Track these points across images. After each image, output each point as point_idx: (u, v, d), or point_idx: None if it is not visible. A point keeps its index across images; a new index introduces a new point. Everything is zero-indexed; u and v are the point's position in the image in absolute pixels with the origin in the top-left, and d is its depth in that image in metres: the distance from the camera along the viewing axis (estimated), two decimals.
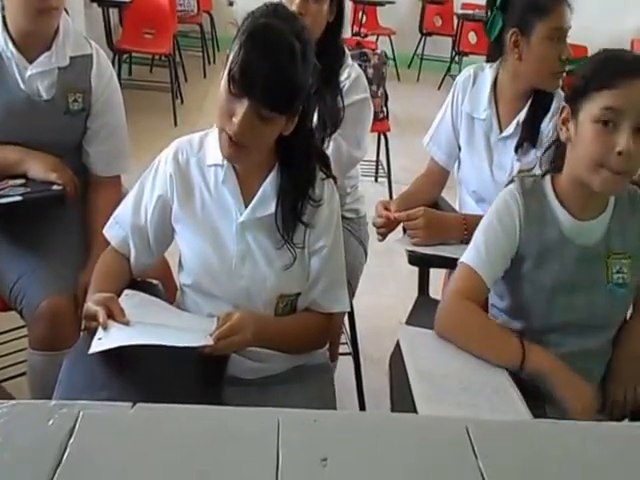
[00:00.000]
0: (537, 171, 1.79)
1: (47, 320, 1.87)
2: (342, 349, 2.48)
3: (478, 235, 1.63)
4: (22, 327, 2.16)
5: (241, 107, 1.41)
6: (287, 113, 1.47)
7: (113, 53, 5.77)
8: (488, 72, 2.15)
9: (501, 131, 2.11)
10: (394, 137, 4.74)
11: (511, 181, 1.68)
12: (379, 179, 4.99)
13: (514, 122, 2.07)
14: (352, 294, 2.23)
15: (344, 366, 2.52)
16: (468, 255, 1.61)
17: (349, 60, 2.23)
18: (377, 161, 4.95)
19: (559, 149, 1.61)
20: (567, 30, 1.99)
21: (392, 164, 4.71)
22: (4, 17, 1.98)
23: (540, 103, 2.05)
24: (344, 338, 2.56)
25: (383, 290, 3.44)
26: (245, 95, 1.40)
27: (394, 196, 4.43)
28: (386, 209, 2.08)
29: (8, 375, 2.32)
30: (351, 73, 2.18)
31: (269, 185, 1.58)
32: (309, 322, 1.66)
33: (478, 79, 2.18)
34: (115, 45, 5.82)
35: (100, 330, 1.39)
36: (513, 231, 1.59)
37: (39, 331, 1.90)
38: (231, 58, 1.43)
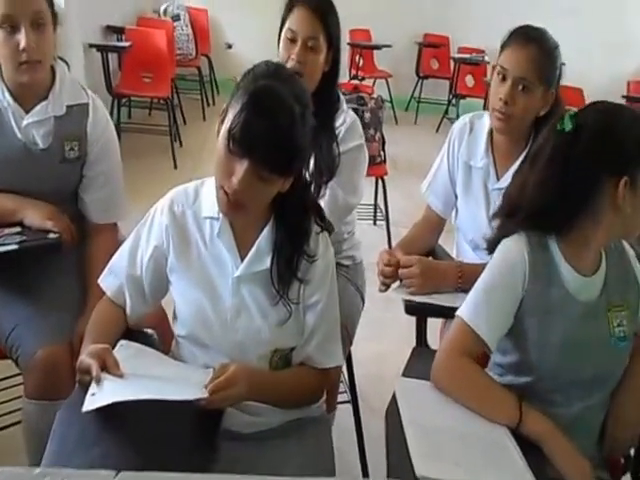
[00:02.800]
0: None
1: (42, 370, 1.85)
2: (341, 397, 2.45)
3: (479, 293, 1.59)
4: (17, 375, 2.14)
5: (241, 167, 1.42)
6: (287, 175, 1.48)
7: (112, 97, 5.84)
8: (485, 120, 2.16)
9: (498, 179, 2.12)
10: (392, 180, 4.75)
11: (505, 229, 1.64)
12: (377, 222, 5.01)
13: (510, 171, 2.07)
14: (350, 341, 2.22)
15: (344, 414, 2.49)
16: (468, 313, 1.57)
17: (344, 106, 2.24)
18: (375, 204, 4.97)
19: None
20: None
21: (390, 207, 4.72)
22: (0, 68, 2.00)
23: None
24: (343, 386, 2.54)
25: (383, 337, 3.41)
26: (245, 156, 1.41)
27: (392, 239, 4.46)
28: (391, 256, 2.05)
29: (3, 424, 2.29)
30: (346, 119, 2.20)
31: (264, 239, 1.58)
32: (304, 377, 1.65)
33: (475, 127, 2.19)
34: (114, 89, 5.88)
35: (93, 385, 1.38)
36: (517, 287, 1.55)
37: (34, 381, 1.88)
38: (231, 117, 1.43)
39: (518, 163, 2.05)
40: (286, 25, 2.12)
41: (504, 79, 2.00)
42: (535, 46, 1.97)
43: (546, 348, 1.55)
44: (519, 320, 1.57)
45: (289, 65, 2.06)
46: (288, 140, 1.42)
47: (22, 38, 1.87)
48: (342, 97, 2.26)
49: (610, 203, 1.49)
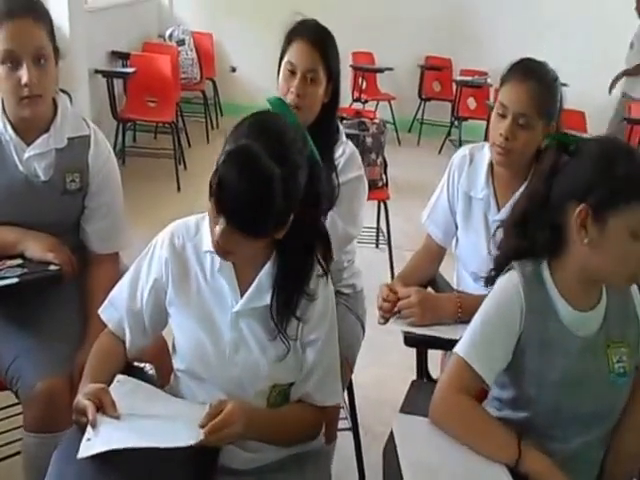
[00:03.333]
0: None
1: (42, 402, 1.85)
2: (342, 423, 2.44)
3: (476, 329, 1.58)
4: (17, 404, 2.14)
5: (221, 222, 1.42)
6: (263, 237, 1.47)
7: (117, 121, 5.89)
8: (485, 151, 2.16)
9: (499, 210, 2.11)
10: (394, 202, 4.74)
11: (504, 265, 1.64)
12: (380, 245, 5.01)
13: (511, 202, 2.05)
14: (350, 371, 2.22)
15: (344, 440, 2.47)
16: (465, 349, 1.56)
17: (343, 137, 2.26)
18: (377, 228, 4.98)
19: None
20: None
21: (392, 229, 4.71)
22: (3, 102, 2.03)
23: None
24: (343, 412, 2.53)
25: (384, 361, 3.40)
26: (221, 215, 1.41)
27: (395, 262, 4.45)
28: (391, 291, 2.05)
29: (2, 455, 2.28)
30: (345, 150, 2.21)
31: (265, 276, 1.58)
32: (302, 415, 1.63)
33: (475, 158, 2.19)
34: (119, 114, 5.92)
35: (89, 429, 1.37)
36: (514, 323, 1.54)
37: (34, 413, 1.88)
38: (214, 171, 1.41)
39: (519, 194, 2.05)
40: (285, 58, 2.14)
41: (504, 116, 2.01)
42: (534, 81, 1.98)
43: (544, 384, 1.54)
44: (518, 355, 1.55)
45: (289, 98, 2.08)
46: (263, 204, 1.38)
47: (24, 74, 1.89)
48: (341, 128, 2.27)
49: (574, 230, 1.48)
